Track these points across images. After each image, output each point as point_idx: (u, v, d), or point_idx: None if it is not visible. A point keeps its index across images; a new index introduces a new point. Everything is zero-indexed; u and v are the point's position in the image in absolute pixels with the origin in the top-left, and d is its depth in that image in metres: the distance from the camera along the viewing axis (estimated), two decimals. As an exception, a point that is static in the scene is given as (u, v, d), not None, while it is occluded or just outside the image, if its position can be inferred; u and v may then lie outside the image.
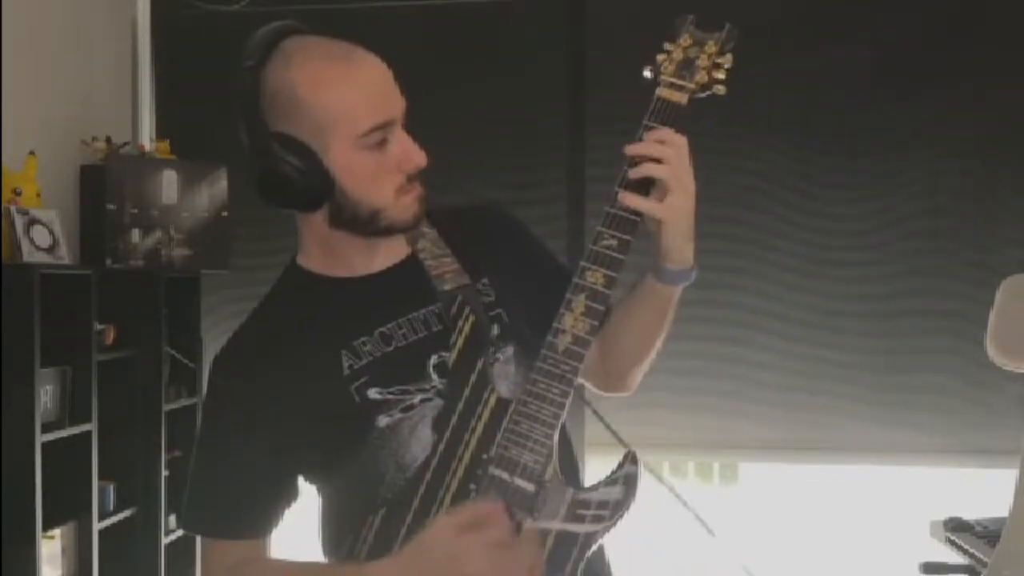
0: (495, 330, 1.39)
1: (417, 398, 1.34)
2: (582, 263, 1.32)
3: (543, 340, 1.35)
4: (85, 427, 3.03)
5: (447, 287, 1.39)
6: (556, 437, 1.29)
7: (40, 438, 2.81)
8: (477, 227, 1.50)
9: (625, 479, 1.32)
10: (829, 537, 4.71)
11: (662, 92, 1.36)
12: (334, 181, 1.31)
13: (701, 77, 1.38)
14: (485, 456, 1.29)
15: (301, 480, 1.41)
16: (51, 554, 2.94)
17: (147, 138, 3.86)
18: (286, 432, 1.34)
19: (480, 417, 1.32)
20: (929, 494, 4.15)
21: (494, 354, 1.37)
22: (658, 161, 1.31)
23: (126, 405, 3.32)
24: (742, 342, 3.65)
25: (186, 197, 3.53)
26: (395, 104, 1.33)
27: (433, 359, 1.36)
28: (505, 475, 1.28)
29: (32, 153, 3.07)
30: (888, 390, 3.60)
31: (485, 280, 1.42)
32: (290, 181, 1.31)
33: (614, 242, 1.32)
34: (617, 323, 1.45)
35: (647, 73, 1.39)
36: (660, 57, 1.40)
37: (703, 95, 1.37)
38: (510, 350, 1.39)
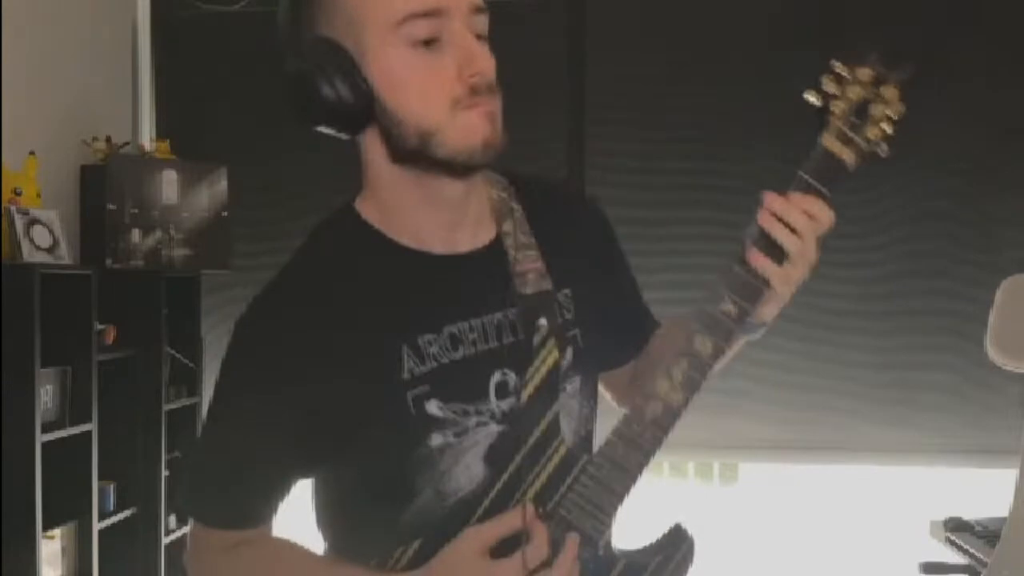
0: (568, 355, 1.21)
1: (473, 421, 1.15)
2: (693, 324, 1.15)
3: (602, 364, 1.27)
4: (85, 427, 3.03)
5: (528, 291, 1.19)
6: (621, 506, 1.17)
7: (40, 438, 2.81)
8: (568, 217, 1.29)
9: (685, 553, 1.23)
10: (829, 537, 4.72)
11: (831, 144, 1.13)
12: (373, 95, 1.08)
13: (873, 132, 1.14)
14: (541, 510, 1.15)
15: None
16: (51, 554, 2.94)
17: (147, 138, 3.86)
18: (318, 425, 1.13)
19: (546, 466, 1.17)
20: (929, 494, 4.16)
21: (563, 384, 1.20)
22: (793, 230, 1.12)
23: (126, 405, 3.32)
24: (742, 342, 3.65)
25: (186, 197, 3.53)
26: None
27: (496, 376, 1.17)
28: (559, 537, 1.14)
29: (32, 153, 3.07)
30: (888, 390, 3.60)
31: (567, 291, 1.23)
32: (320, 92, 1.07)
33: (734, 309, 1.14)
34: (670, 347, 1.30)
35: (811, 99, 1.16)
36: (828, 83, 1.15)
37: (867, 152, 1.14)
38: (577, 382, 1.23)
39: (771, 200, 1.13)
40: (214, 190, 3.59)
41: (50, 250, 3.04)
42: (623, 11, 3.73)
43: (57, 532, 2.98)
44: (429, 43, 1.06)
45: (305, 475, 1.21)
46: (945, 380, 3.56)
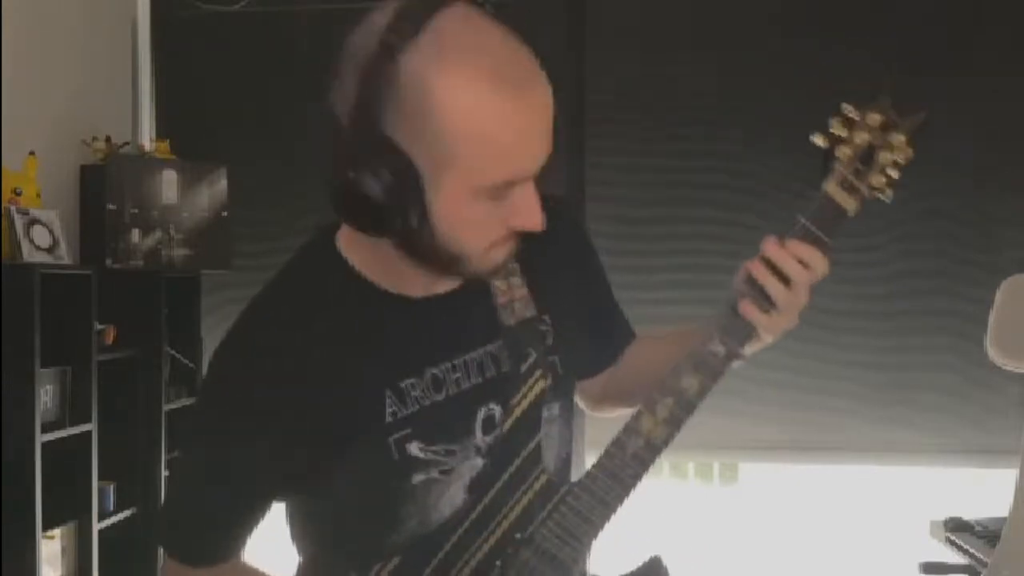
0: (548, 382, 1.21)
1: (458, 458, 1.16)
2: (680, 362, 1.16)
3: (578, 373, 1.28)
4: (85, 427, 3.03)
5: (512, 321, 1.19)
6: (595, 539, 1.19)
7: (40, 438, 2.81)
8: (549, 236, 1.17)
9: None
10: (829, 537, 4.72)
11: (833, 191, 1.14)
12: (426, 218, 1.02)
13: (877, 180, 1.14)
14: (519, 536, 1.18)
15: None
16: (51, 554, 2.94)
17: (147, 138, 3.86)
18: (296, 462, 1.12)
19: (525, 494, 1.19)
20: (929, 494, 4.16)
21: (544, 411, 1.21)
22: (786, 281, 1.14)
23: (126, 405, 3.32)
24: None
25: (186, 197, 3.53)
26: (540, 154, 1.04)
27: (482, 412, 1.18)
28: (535, 562, 1.18)
29: (32, 153, 3.07)
30: (888, 390, 3.60)
31: (547, 317, 1.23)
32: (370, 199, 1.00)
33: (722, 350, 1.17)
34: (647, 365, 1.33)
35: (818, 142, 1.14)
36: (837, 126, 1.13)
37: (870, 198, 1.15)
38: (556, 408, 1.23)
39: (767, 248, 1.14)
40: (214, 190, 3.59)
41: (50, 250, 3.04)
42: (623, 11, 3.73)
43: (57, 532, 2.98)
44: (499, 193, 1.04)
45: (280, 499, 1.21)
46: (945, 380, 3.56)
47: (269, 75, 3.86)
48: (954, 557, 2.69)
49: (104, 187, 3.31)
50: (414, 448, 1.13)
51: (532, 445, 1.20)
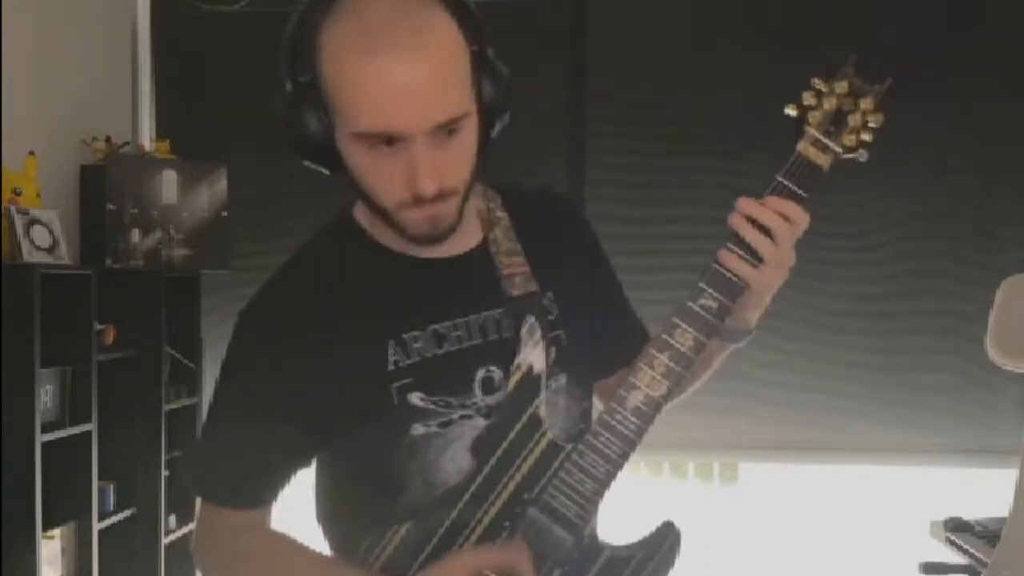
0: (552, 354, 1.26)
1: (457, 414, 1.22)
2: (674, 318, 1.21)
3: (593, 372, 1.30)
4: (85, 427, 3.03)
5: (515, 292, 1.25)
6: (605, 495, 1.22)
7: (40, 438, 2.81)
8: (552, 225, 1.35)
9: (667, 550, 1.24)
10: (829, 537, 4.72)
11: (805, 149, 1.21)
12: (341, 159, 1.17)
13: (849, 139, 1.22)
14: (526, 496, 1.21)
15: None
16: (51, 554, 2.94)
17: (147, 138, 3.86)
18: (313, 409, 1.21)
19: (530, 455, 1.22)
20: (929, 494, 4.16)
21: (548, 381, 1.25)
22: (768, 234, 1.19)
23: (126, 405, 3.32)
24: (742, 342, 3.65)
25: (186, 197, 3.53)
26: (412, 120, 1.09)
27: (481, 372, 1.24)
28: (544, 521, 1.20)
29: (32, 153, 3.07)
30: (888, 390, 3.60)
31: (551, 294, 1.29)
32: (297, 135, 1.18)
33: (714, 304, 1.20)
34: None
35: (790, 111, 1.23)
36: (808, 97, 1.23)
37: (845, 157, 1.23)
38: (563, 379, 1.28)
39: (744, 203, 1.19)
40: (214, 190, 3.60)
41: (50, 250, 3.04)
42: (623, 11, 3.73)
43: (57, 532, 2.98)
44: (389, 142, 1.11)
45: (304, 462, 1.29)
46: (945, 380, 3.56)
47: (269, 75, 3.85)
48: (954, 557, 2.69)
49: (104, 187, 3.31)
50: (415, 397, 1.20)
51: (534, 406, 1.22)
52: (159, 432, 3.39)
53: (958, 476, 3.94)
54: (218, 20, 3.86)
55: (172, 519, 3.49)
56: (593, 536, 1.24)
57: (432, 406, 1.21)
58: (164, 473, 3.42)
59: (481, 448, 1.22)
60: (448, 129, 1.12)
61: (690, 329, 1.20)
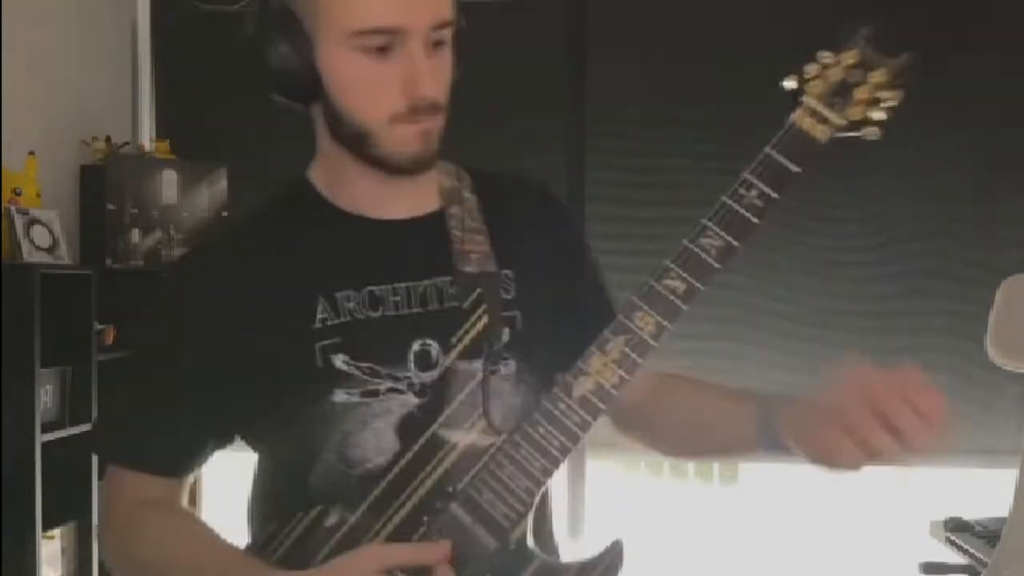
0: (504, 336, 1.16)
1: (385, 385, 1.12)
2: (633, 298, 1.09)
3: (555, 367, 1.15)
4: (85, 427, 3.03)
5: (468, 269, 1.16)
6: (539, 495, 1.09)
7: (40, 438, 2.81)
8: (518, 205, 1.26)
9: (605, 571, 1.10)
10: (829, 537, 4.71)
11: (799, 119, 1.08)
12: (320, 80, 1.09)
13: (854, 112, 1.08)
14: (450, 489, 1.09)
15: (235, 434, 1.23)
16: (51, 554, 2.94)
17: (147, 138, 3.86)
18: (232, 369, 1.13)
19: (462, 440, 1.10)
20: (929, 494, 4.15)
21: (494, 364, 1.14)
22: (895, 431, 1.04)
23: (126, 405, 3.32)
24: (742, 341, 3.65)
25: (186, 197, 3.53)
26: (415, 13, 1.06)
27: (416, 344, 1.14)
28: (467, 520, 1.08)
29: (32, 153, 3.07)
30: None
31: (508, 272, 1.19)
32: (272, 63, 1.09)
33: (681, 286, 1.08)
34: (689, 414, 1.25)
35: (789, 84, 1.10)
36: (811, 69, 1.09)
37: (849, 135, 1.09)
38: (513, 365, 1.16)
39: (880, 394, 1.05)
40: (214, 190, 3.59)
41: (50, 250, 3.04)
42: (623, 11, 3.72)
43: (57, 532, 2.98)
44: (382, 50, 1.07)
45: (223, 432, 1.21)
46: (945, 380, 3.56)
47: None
48: (954, 557, 2.69)
49: (104, 187, 3.31)
50: (339, 360, 1.11)
51: (472, 387, 1.12)
52: (159, 432, 3.39)
53: (958, 476, 3.93)
54: (218, 20, 3.85)
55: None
56: (522, 543, 1.09)
57: (357, 371, 1.11)
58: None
59: (409, 429, 1.11)
60: (436, 40, 1.09)
61: (652, 312, 1.08)
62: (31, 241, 2.98)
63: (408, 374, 1.13)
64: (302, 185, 1.20)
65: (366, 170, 1.14)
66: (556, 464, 1.08)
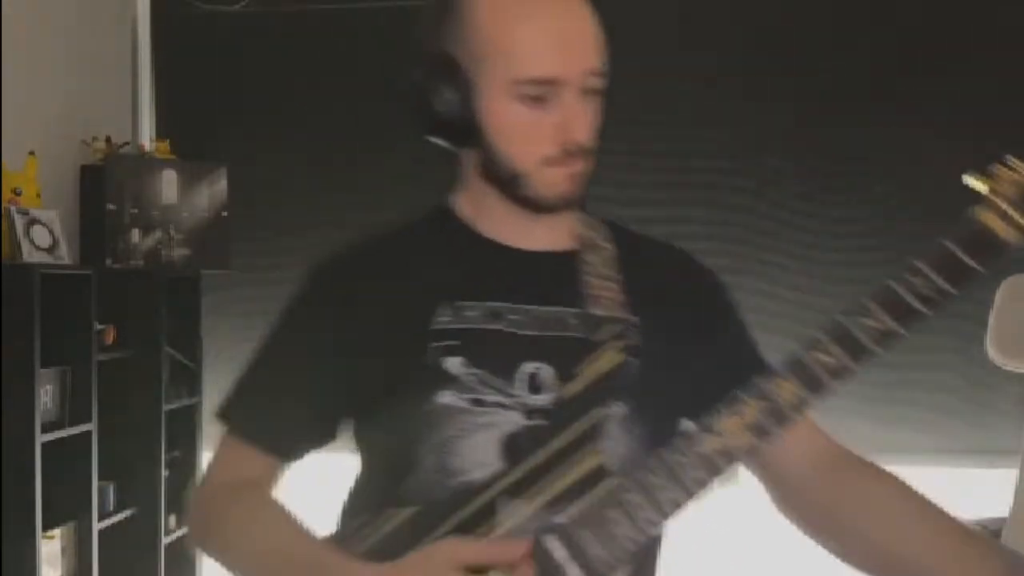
0: (619, 379, 1.15)
1: (492, 397, 1.13)
2: (779, 367, 1.06)
3: (668, 420, 1.15)
4: (85, 427, 3.03)
5: (596, 311, 1.17)
6: (640, 545, 1.06)
7: (40, 438, 2.81)
8: (655, 261, 1.27)
9: None
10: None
11: (990, 219, 1.08)
12: (479, 125, 1.14)
13: None
14: (550, 519, 1.06)
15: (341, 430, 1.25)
16: (51, 554, 2.94)
17: (147, 138, 3.86)
18: (352, 364, 1.17)
19: (569, 474, 1.08)
20: (929, 494, 4.15)
21: (610, 404, 1.13)
22: None
23: (126, 405, 3.32)
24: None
25: (186, 197, 3.53)
26: (573, 63, 1.12)
27: (530, 366, 1.14)
28: (562, 554, 1.04)
29: (32, 153, 3.07)
30: (888, 390, 3.59)
31: (635, 320, 1.18)
32: (434, 108, 1.14)
33: (831, 361, 1.05)
34: (886, 519, 1.18)
35: (971, 181, 1.10)
36: (1004, 172, 1.08)
37: None
38: (624, 409, 1.14)
39: None
40: (214, 190, 3.59)
41: (50, 250, 3.04)
42: (623, 11, 3.72)
43: (57, 532, 2.98)
44: (539, 98, 1.12)
45: (331, 428, 1.24)
46: (945, 380, 3.56)
47: (269, 75, 3.86)
48: (954, 557, 2.68)
49: (104, 187, 3.31)
50: (452, 362, 1.14)
51: (593, 419, 1.11)
52: (159, 432, 3.39)
53: (958, 476, 3.94)
54: (218, 20, 3.86)
55: (172, 519, 3.49)
56: None
57: (467, 377, 1.13)
58: (164, 473, 3.42)
59: (512, 449, 1.11)
60: (587, 88, 1.14)
61: (796, 383, 1.04)
62: (31, 241, 2.98)
63: (517, 392, 1.14)
64: (445, 210, 1.25)
65: (510, 206, 1.19)
66: (664, 517, 1.06)
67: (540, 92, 1.11)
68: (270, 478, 1.24)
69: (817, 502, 1.24)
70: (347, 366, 1.18)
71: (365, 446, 1.24)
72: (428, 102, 1.14)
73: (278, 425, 1.22)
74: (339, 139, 3.81)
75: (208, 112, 3.90)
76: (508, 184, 1.16)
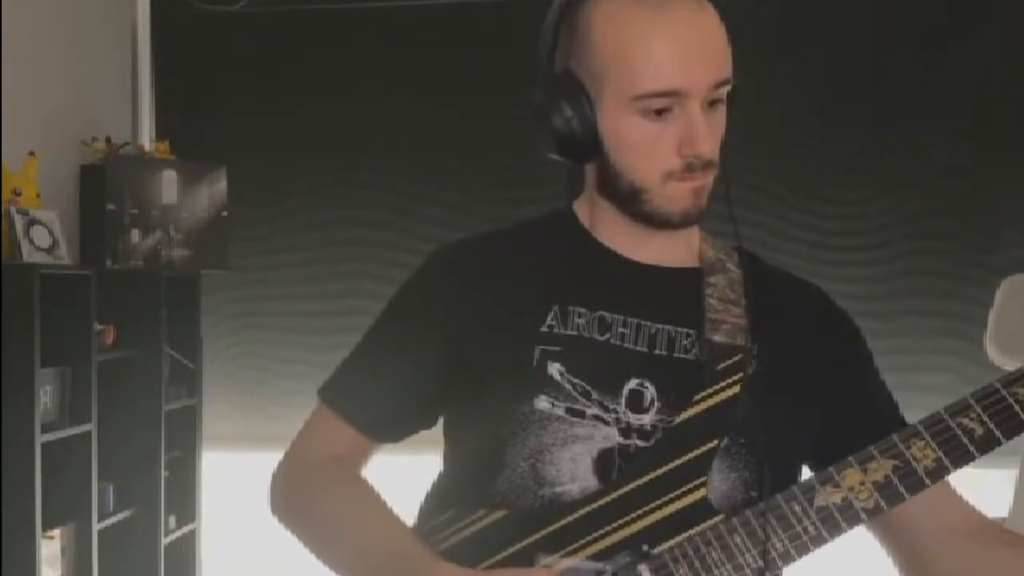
0: (735, 411, 1.11)
1: (592, 411, 1.10)
2: (918, 425, 1.03)
3: (777, 459, 1.07)
4: (85, 427, 3.03)
5: (717, 337, 1.13)
6: None
7: (40, 438, 2.81)
8: (787, 294, 1.22)
9: None
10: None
11: None
12: (600, 141, 1.12)
13: None
14: (645, 548, 1.03)
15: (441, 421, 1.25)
16: (50, 554, 2.94)
17: (147, 138, 3.85)
18: (457, 353, 1.16)
19: (672, 502, 1.05)
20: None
21: (725, 437, 1.09)
22: None
23: (126, 405, 3.32)
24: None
25: (186, 197, 3.53)
26: (695, 75, 1.08)
27: (633, 382, 1.11)
28: None
29: (32, 153, 3.07)
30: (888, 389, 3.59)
31: (756, 348, 1.13)
32: (553, 126, 1.13)
33: (979, 430, 1.01)
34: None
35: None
36: None
37: None
38: (733, 444, 1.09)
39: None
40: (214, 190, 3.59)
41: (50, 250, 3.04)
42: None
43: (56, 532, 2.98)
44: (661, 112, 1.09)
45: (430, 414, 1.23)
46: (945, 380, 3.56)
47: (268, 75, 3.86)
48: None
49: (104, 187, 3.31)
50: (554, 368, 1.12)
51: (702, 450, 1.07)
52: (159, 432, 3.39)
53: (958, 476, 3.94)
54: (218, 20, 3.86)
55: (172, 519, 3.49)
56: None
57: (568, 385, 1.10)
58: (164, 473, 3.42)
59: (606, 465, 1.09)
60: (713, 99, 1.11)
61: (936, 448, 1.00)
62: (31, 241, 2.98)
63: (617, 408, 1.11)
64: (567, 214, 1.24)
65: (628, 220, 1.17)
66: (772, 569, 1.01)
67: (662, 105, 1.09)
68: (361, 457, 1.24)
69: (956, 572, 1.15)
70: (452, 356, 1.17)
71: (455, 441, 1.22)
72: (549, 122, 1.13)
73: (376, 407, 1.22)
74: (339, 139, 3.81)
75: (208, 112, 3.91)
76: (628, 200, 1.14)
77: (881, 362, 1.22)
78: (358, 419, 1.22)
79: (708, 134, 1.10)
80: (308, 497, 1.22)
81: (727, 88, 1.12)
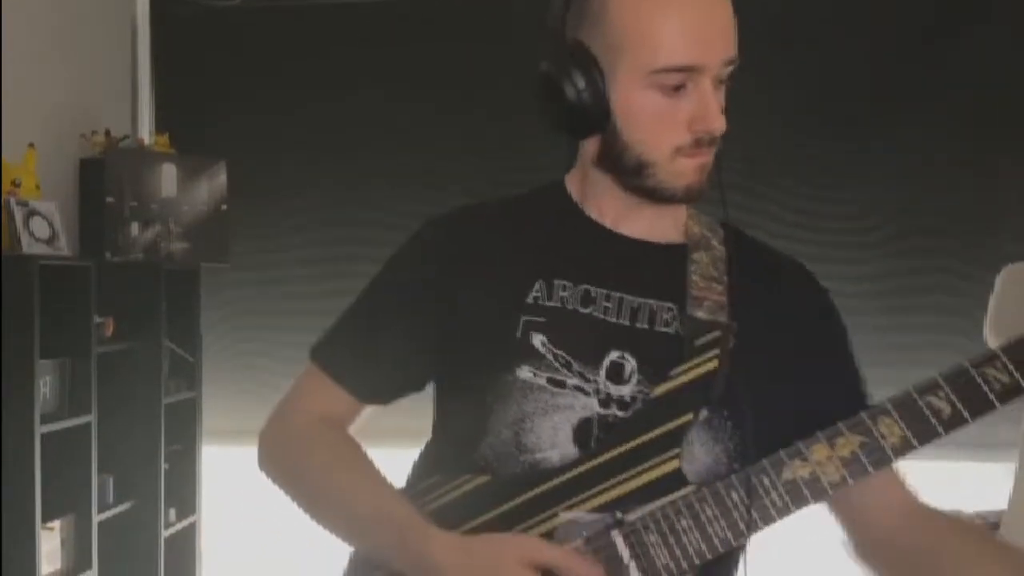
0: (714, 385, 1.13)
1: (572, 381, 1.13)
2: (887, 402, 1.05)
3: (754, 432, 1.09)
4: (84, 419, 3.03)
5: (699, 313, 1.14)
6: (705, 559, 1.05)
7: (39, 430, 2.81)
8: (768, 270, 1.24)
9: None
10: (829, 536, 4.70)
11: None
12: (610, 113, 1.12)
13: None
14: (619, 515, 1.06)
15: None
16: (50, 546, 2.94)
17: (146, 132, 3.86)
18: (444, 320, 1.19)
19: (645, 473, 1.08)
20: (929, 489, 4.15)
21: (701, 410, 1.11)
22: None
23: (125, 397, 3.32)
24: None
25: (185, 191, 3.53)
26: (713, 50, 1.09)
27: (613, 354, 1.13)
28: (625, 554, 1.04)
29: (32, 146, 3.07)
30: (888, 388, 3.57)
31: (735, 327, 1.15)
32: (564, 98, 1.12)
33: (947, 408, 1.04)
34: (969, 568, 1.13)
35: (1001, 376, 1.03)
36: None
37: None
38: (708, 417, 1.12)
39: None
40: (213, 184, 3.59)
41: (49, 242, 3.04)
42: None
43: (56, 524, 2.98)
44: (676, 87, 1.10)
45: (416, 376, 1.25)
46: (944, 375, 3.56)
47: (268, 69, 3.86)
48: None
49: (103, 180, 3.31)
50: (537, 339, 1.14)
51: (676, 423, 1.09)
52: (158, 425, 3.39)
53: (957, 469, 3.94)
54: (217, 14, 3.86)
55: (172, 512, 3.49)
56: None
57: (551, 356, 1.13)
58: (164, 466, 3.42)
59: (585, 434, 1.11)
60: (722, 76, 1.12)
61: (902, 425, 1.03)
62: (30, 233, 2.98)
63: (598, 379, 1.13)
64: (558, 188, 1.25)
65: (622, 194, 1.18)
66: (739, 537, 1.05)
67: (679, 80, 1.09)
68: (349, 417, 1.26)
69: (908, 553, 1.18)
70: (439, 322, 1.19)
71: (442, 408, 1.25)
72: (559, 93, 1.12)
73: (365, 368, 1.24)
74: (338, 133, 3.81)
75: (207, 106, 3.91)
76: (632, 173, 1.14)
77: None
78: (347, 379, 1.24)
79: (719, 111, 1.11)
80: (296, 454, 1.24)
81: (732, 67, 1.13)
